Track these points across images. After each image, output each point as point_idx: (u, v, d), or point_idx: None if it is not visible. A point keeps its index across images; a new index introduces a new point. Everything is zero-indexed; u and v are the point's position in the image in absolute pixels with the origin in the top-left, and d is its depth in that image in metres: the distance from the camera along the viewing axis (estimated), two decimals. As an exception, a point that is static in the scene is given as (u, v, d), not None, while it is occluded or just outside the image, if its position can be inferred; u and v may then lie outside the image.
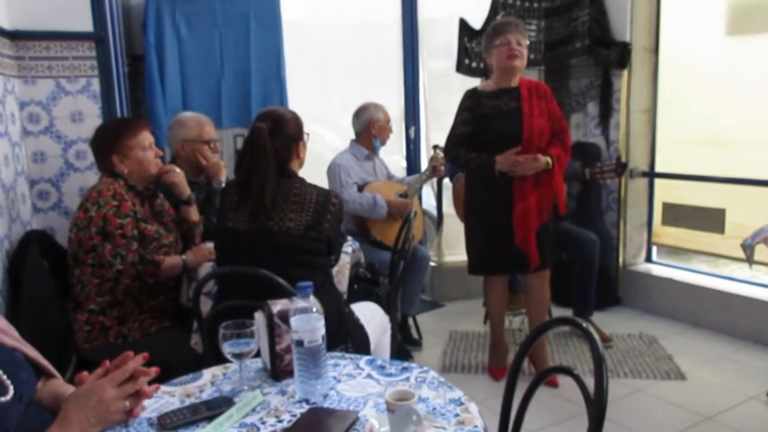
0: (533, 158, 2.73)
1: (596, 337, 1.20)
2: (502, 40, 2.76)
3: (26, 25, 2.56)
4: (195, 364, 1.91)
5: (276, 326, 1.36)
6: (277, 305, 1.38)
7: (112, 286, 2.17)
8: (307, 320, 1.25)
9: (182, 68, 3.33)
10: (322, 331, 1.26)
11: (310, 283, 1.26)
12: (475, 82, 4.14)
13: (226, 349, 1.33)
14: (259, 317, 1.40)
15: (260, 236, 1.93)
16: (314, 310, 1.26)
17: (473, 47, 4.11)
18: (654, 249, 4.18)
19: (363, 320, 2.14)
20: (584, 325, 1.25)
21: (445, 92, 4.31)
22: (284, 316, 1.35)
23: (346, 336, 2.00)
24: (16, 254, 2.25)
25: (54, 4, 2.60)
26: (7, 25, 2.50)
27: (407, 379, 1.36)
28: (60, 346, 2.16)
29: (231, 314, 1.88)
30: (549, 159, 2.76)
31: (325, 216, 1.97)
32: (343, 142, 3.81)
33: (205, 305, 2.16)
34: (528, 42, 2.83)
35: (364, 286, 2.67)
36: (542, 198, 2.80)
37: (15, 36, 2.54)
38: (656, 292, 3.92)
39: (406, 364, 1.44)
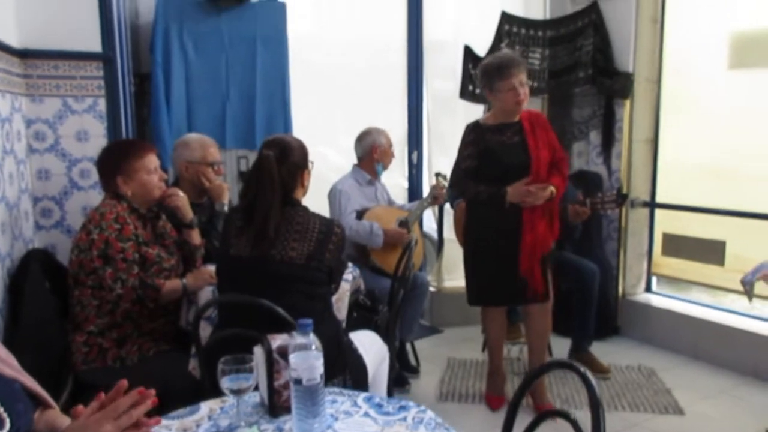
0: (542, 188, 2.75)
1: (593, 382, 1.21)
2: (508, 86, 2.73)
3: (35, 44, 2.58)
4: (192, 389, 1.92)
5: (275, 362, 1.35)
6: (277, 340, 1.38)
7: (112, 308, 2.17)
8: (306, 358, 1.24)
9: (188, 88, 3.35)
10: (321, 369, 1.25)
11: (310, 321, 1.26)
12: (477, 108, 4.18)
13: (225, 384, 1.32)
14: (258, 352, 1.40)
15: (262, 264, 1.93)
16: (314, 347, 1.26)
17: (477, 74, 4.13)
18: (654, 279, 4.18)
19: (362, 350, 2.14)
20: (582, 370, 1.25)
21: (448, 116, 4.33)
22: (283, 352, 1.34)
23: (344, 366, 1.99)
24: (17, 273, 2.26)
25: (64, 24, 2.62)
26: (17, 44, 2.52)
27: (404, 419, 1.35)
28: (57, 367, 2.16)
29: (230, 343, 1.89)
30: (553, 189, 2.78)
31: (327, 246, 1.97)
32: (345, 162, 3.82)
33: (205, 330, 2.15)
34: (529, 81, 2.82)
35: (363, 314, 2.66)
36: (547, 228, 2.82)
37: (24, 54, 2.56)
38: (656, 323, 3.91)
39: (403, 402, 1.43)
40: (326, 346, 1.35)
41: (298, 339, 1.25)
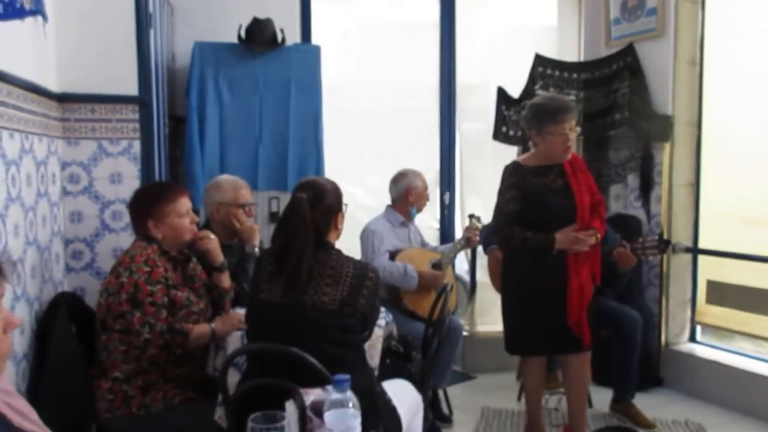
0: (589, 234, 2.66)
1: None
2: (560, 131, 2.66)
3: (73, 89, 2.61)
4: (218, 440, 1.84)
5: (308, 420, 1.27)
6: (311, 395, 1.30)
7: (139, 354, 2.12)
8: (343, 417, 1.16)
9: (222, 130, 3.37)
10: (359, 429, 1.17)
11: (347, 377, 1.19)
12: (511, 150, 4.11)
13: (254, 443, 1.24)
14: (290, 408, 1.32)
15: (293, 310, 1.87)
16: (351, 405, 1.18)
17: (511, 115, 4.10)
18: (698, 328, 3.99)
19: (395, 401, 2.04)
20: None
21: (480, 157, 4.30)
22: (318, 409, 1.26)
23: (377, 420, 1.89)
24: (45, 317, 2.22)
25: (101, 69, 2.65)
26: (56, 88, 2.55)
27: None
28: (81, 415, 2.10)
29: (258, 392, 1.81)
30: (597, 233, 2.69)
31: (361, 291, 1.90)
32: (373, 201, 3.79)
33: (232, 377, 2.08)
34: (578, 129, 2.77)
35: (395, 361, 2.56)
36: (590, 274, 2.71)
37: (62, 99, 2.58)
38: (701, 375, 3.71)
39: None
40: (359, 398, 1.28)
41: (334, 395, 1.17)
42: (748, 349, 3.84)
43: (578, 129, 2.77)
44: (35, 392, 2.06)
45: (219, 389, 1.91)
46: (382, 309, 2.53)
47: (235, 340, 2.25)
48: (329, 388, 1.22)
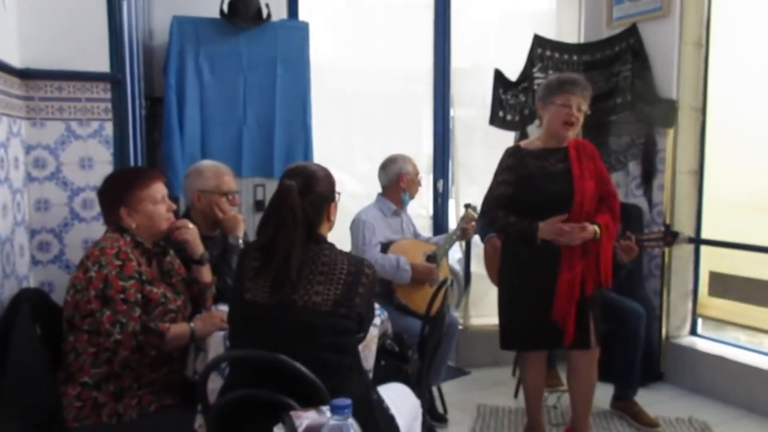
0: (581, 227, 2.47)
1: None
2: (564, 101, 2.53)
3: (38, 64, 2.38)
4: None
5: (301, 448, 1.09)
6: (303, 419, 1.11)
7: (110, 356, 1.92)
8: (343, 447, 0.98)
9: (203, 112, 3.14)
10: (361, 463, 0.99)
11: (348, 402, 1.00)
12: (507, 135, 3.94)
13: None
14: (280, 433, 1.13)
15: (282, 311, 1.67)
16: (352, 432, 1.00)
17: (508, 99, 3.92)
18: (699, 321, 3.86)
19: (393, 409, 1.86)
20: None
21: (473, 143, 4.14)
22: (312, 435, 1.08)
23: (375, 430, 1.71)
24: (6, 316, 2.00)
25: (70, 44, 2.42)
26: (18, 63, 2.32)
27: None
28: (46, 424, 1.90)
29: (242, 401, 1.63)
30: (597, 228, 2.50)
31: (357, 289, 1.71)
32: (363, 189, 3.62)
33: (214, 383, 1.88)
34: (588, 110, 2.60)
35: (390, 362, 2.39)
36: (588, 269, 2.53)
37: (25, 75, 2.35)
38: (704, 370, 3.58)
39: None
40: (355, 407, 1.10)
41: (333, 421, 0.99)
42: (742, 340, 3.75)
43: (588, 111, 2.59)
44: (-5, 400, 1.85)
45: (199, 399, 1.72)
46: (377, 306, 2.35)
47: (217, 341, 2.06)
48: (325, 410, 1.04)
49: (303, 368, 1.52)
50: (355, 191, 3.82)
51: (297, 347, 1.60)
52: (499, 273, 2.77)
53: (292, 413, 1.12)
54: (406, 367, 2.37)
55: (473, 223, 3.30)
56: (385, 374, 2.27)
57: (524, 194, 2.56)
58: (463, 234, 3.32)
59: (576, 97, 2.53)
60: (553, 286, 2.52)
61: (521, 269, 2.63)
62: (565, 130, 2.55)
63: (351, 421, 0.99)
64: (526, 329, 2.64)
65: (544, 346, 2.77)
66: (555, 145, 2.59)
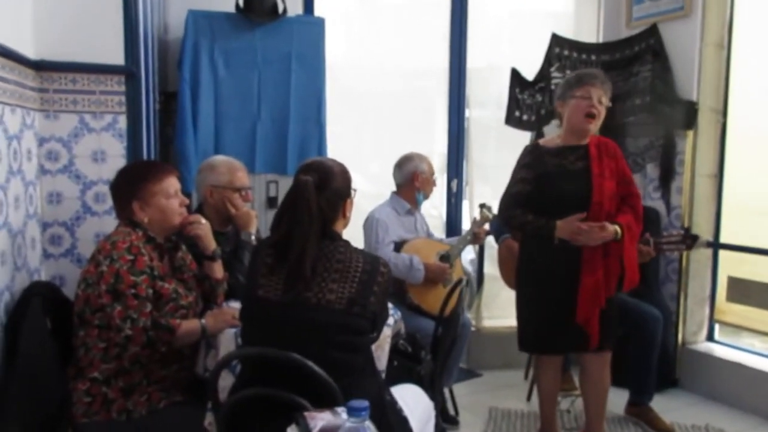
0: (600, 227, 2.41)
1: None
2: (584, 93, 2.48)
3: (53, 56, 2.36)
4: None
5: (316, 450, 1.05)
6: (318, 420, 1.07)
7: (120, 352, 1.89)
8: (360, 450, 0.94)
9: (217, 107, 3.11)
10: (378, 467, 0.95)
11: (365, 403, 0.96)
12: (522, 136, 3.90)
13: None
14: (293, 434, 1.09)
15: (295, 308, 1.63)
16: (369, 435, 0.96)
17: (525, 99, 3.87)
18: (716, 327, 3.79)
19: (406, 411, 1.82)
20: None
21: (490, 145, 4.09)
22: (327, 437, 1.04)
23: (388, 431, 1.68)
24: (16, 309, 1.98)
25: (84, 36, 2.40)
26: (33, 55, 2.30)
27: None
28: (55, 420, 1.87)
29: (254, 400, 1.60)
30: (618, 228, 2.44)
31: (372, 288, 1.67)
32: (374, 188, 3.58)
33: (225, 380, 1.86)
34: (609, 102, 2.55)
35: (403, 362, 2.34)
36: (610, 271, 2.48)
37: (39, 66, 2.34)
38: (720, 377, 3.51)
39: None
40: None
41: (349, 423, 0.95)
42: (757, 346, 3.68)
43: (609, 104, 2.54)
44: (4, 394, 1.83)
45: (209, 397, 1.69)
46: (390, 305, 2.32)
47: (228, 338, 2.03)
48: (340, 411, 1.00)
49: (316, 367, 1.49)
50: (368, 191, 3.77)
51: (309, 345, 1.57)
52: (517, 274, 2.73)
53: (306, 414, 1.09)
54: (418, 368, 2.32)
55: (486, 227, 3.26)
56: (397, 375, 2.23)
57: (542, 192, 2.52)
58: (475, 239, 3.27)
59: (596, 89, 2.49)
60: (574, 289, 2.47)
61: (541, 271, 2.58)
62: (587, 122, 2.49)
63: (368, 423, 0.96)
64: (546, 332, 2.59)
65: (566, 349, 2.73)
66: (575, 143, 2.54)
